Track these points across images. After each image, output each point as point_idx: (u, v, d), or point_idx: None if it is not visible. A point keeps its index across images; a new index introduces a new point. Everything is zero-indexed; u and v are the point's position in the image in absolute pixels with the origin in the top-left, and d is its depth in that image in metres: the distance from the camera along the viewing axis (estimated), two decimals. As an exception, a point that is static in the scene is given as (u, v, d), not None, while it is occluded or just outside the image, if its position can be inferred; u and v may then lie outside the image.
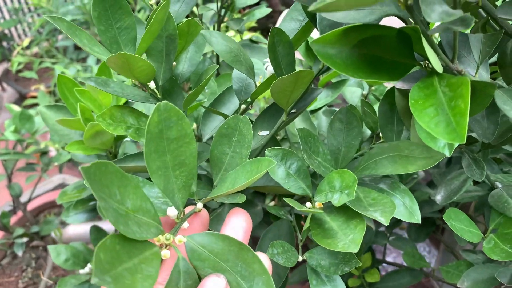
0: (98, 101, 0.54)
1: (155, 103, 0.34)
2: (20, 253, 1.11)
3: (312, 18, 0.36)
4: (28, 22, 2.77)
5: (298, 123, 0.60)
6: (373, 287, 0.74)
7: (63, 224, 1.24)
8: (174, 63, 0.49)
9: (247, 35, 1.26)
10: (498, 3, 0.33)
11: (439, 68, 0.27)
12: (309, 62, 0.61)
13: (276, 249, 0.41)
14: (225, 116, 0.47)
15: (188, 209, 0.35)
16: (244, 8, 1.35)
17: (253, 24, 1.80)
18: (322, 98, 0.65)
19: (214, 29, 0.75)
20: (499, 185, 0.47)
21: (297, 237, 0.48)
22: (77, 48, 2.26)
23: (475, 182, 0.53)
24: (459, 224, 0.45)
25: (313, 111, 0.67)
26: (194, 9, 0.73)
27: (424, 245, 1.31)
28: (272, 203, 0.59)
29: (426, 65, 0.31)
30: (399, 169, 0.39)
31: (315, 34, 0.53)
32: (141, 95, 0.42)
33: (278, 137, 0.62)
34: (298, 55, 0.67)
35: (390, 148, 0.41)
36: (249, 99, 0.48)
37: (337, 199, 0.37)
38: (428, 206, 0.67)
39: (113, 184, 0.26)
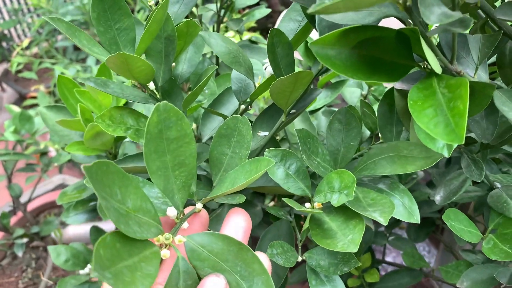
0: (98, 101, 0.54)
1: (155, 104, 0.34)
2: (20, 253, 1.12)
3: (311, 19, 0.36)
4: (28, 23, 2.77)
5: (298, 123, 0.60)
6: (372, 287, 0.74)
7: (63, 224, 1.24)
8: (174, 64, 0.49)
9: (247, 35, 1.26)
10: (497, 4, 0.34)
11: (438, 69, 0.28)
12: (308, 63, 0.61)
13: (276, 250, 0.41)
14: (225, 117, 0.48)
15: (188, 210, 0.35)
16: (243, 9, 1.35)
17: (253, 24, 1.80)
18: (322, 98, 0.65)
19: (213, 30, 0.75)
20: (498, 185, 0.47)
21: (296, 237, 0.49)
22: (76, 48, 2.26)
23: (474, 182, 0.53)
24: (459, 225, 0.45)
25: (313, 112, 0.67)
26: (194, 9, 0.73)
27: (424, 245, 1.31)
28: (272, 203, 0.59)
29: (425, 66, 0.32)
30: (398, 169, 0.39)
31: (314, 34, 0.53)
32: (141, 96, 0.42)
33: (278, 138, 0.62)
34: (298, 55, 0.67)
35: (389, 148, 0.41)
36: (248, 100, 0.48)
37: (336, 200, 0.37)
38: (428, 206, 0.67)
39: (114, 184, 0.27)
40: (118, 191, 0.27)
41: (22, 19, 2.59)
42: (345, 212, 0.38)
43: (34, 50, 2.53)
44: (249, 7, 0.94)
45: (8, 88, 2.40)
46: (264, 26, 2.20)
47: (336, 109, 0.52)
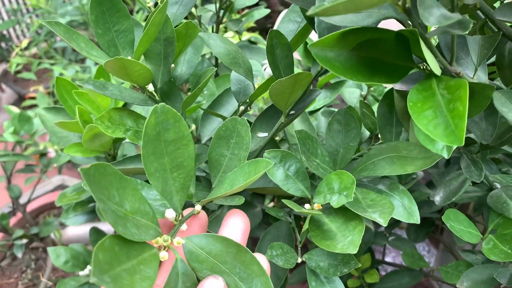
0: (97, 103, 0.54)
1: (154, 106, 0.34)
2: (19, 254, 1.12)
3: (310, 20, 0.36)
4: (27, 23, 2.77)
5: (297, 124, 0.60)
6: (372, 287, 0.74)
7: (63, 225, 1.24)
8: (173, 65, 0.49)
9: (246, 36, 1.26)
10: (496, 5, 0.34)
11: (437, 70, 0.27)
12: (307, 63, 0.61)
13: (275, 251, 0.41)
14: (224, 118, 0.47)
15: (187, 211, 0.35)
16: (242, 9, 1.34)
17: (252, 24, 1.80)
18: (321, 99, 0.65)
19: (212, 30, 0.75)
20: (498, 185, 0.47)
21: (296, 238, 0.48)
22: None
23: (474, 183, 0.53)
24: (458, 225, 0.45)
25: (312, 112, 0.67)
26: (193, 10, 0.73)
27: (424, 245, 1.31)
28: (271, 204, 0.59)
29: (424, 67, 0.31)
30: (397, 170, 0.39)
31: (313, 35, 0.53)
32: (140, 98, 0.42)
33: (277, 138, 0.62)
34: (297, 55, 0.67)
35: (388, 149, 0.41)
36: (247, 101, 0.48)
37: (336, 201, 0.37)
38: (427, 206, 0.67)
39: (112, 186, 0.27)
40: (115, 193, 0.27)
41: (21, 19, 2.59)
42: (344, 213, 0.38)
43: (33, 50, 2.53)
44: (248, 7, 0.94)
45: (7, 88, 2.40)
46: (264, 26, 2.20)
47: (336, 110, 0.52)
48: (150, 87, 0.43)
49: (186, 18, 0.48)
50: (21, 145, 1.09)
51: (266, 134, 0.46)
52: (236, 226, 0.34)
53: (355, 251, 0.33)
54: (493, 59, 0.41)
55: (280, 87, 0.37)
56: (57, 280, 1.11)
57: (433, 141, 0.26)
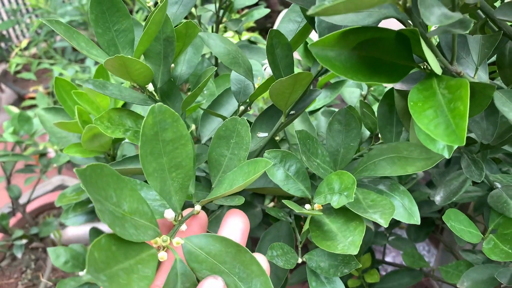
0: (96, 103, 0.54)
1: (153, 106, 0.34)
2: (19, 255, 1.11)
3: (310, 20, 0.36)
4: (26, 23, 2.77)
5: (297, 124, 0.60)
6: (372, 287, 0.74)
7: (62, 225, 1.24)
8: (173, 65, 0.49)
9: (246, 36, 1.26)
10: (497, 4, 0.33)
11: (438, 70, 0.27)
12: (307, 63, 0.61)
13: (276, 251, 0.41)
14: (224, 118, 0.47)
15: (186, 212, 0.35)
16: (242, 9, 1.34)
17: (252, 24, 1.80)
18: (321, 98, 0.65)
19: (212, 30, 0.75)
20: (498, 185, 0.47)
21: (296, 239, 0.48)
22: (75, 49, 2.25)
23: (474, 182, 0.53)
24: (459, 225, 0.45)
25: (312, 112, 0.67)
26: (193, 10, 0.73)
27: (424, 244, 1.31)
28: (271, 204, 0.59)
29: (425, 67, 0.31)
30: (398, 171, 0.39)
31: (313, 35, 0.53)
32: (139, 98, 0.42)
33: (277, 138, 0.62)
34: (297, 55, 0.67)
35: (389, 149, 0.41)
36: (247, 101, 0.48)
37: (336, 201, 0.37)
38: (428, 206, 0.67)
39: (109, 187, 0.26)
40: (113, 193, 0.27)
41: (20, 19, 2.59)
42: (345, 213, 0.38)
43: (33, 50, 2.53)
44: (248, 7, 0.94)
45: (6, 88, 2.40)
46: (263, 26, 2.20)
47: (336, 110, 0.52)
48: (150, 87, 0.43)
49: (186, 18, 0.48)
50: (20, 145, 1.09)
51: (266, 134, 0.46)
52: (235, 226, 0.34)
53: (355, 252, 0.33)
54: (493, 58, 0.41)
55: (280, 87, 0.37)
56: (57, 280, 1.11)
57: (434, 140, 0.26)
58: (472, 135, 0.46)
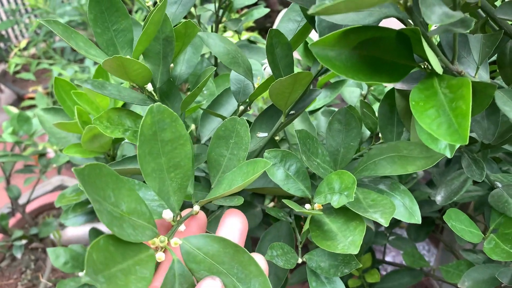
0: (96, 103, 0.54)
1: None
2: (19, 255, 1.11)
3: (310, 19, 0.36)
4: (25, 23, 2.77)
5: (297, 124, 0.60)
6: (373, 287, 0.74)
7: (62, 226, 1.23)
8: (172, 65, 0.49)
9: (245, 35, 1.26)
10: (497, 3, 0.33)
11: (439, 69, 0.27)
12: (307, 63, 0.61)
13: (276, 251, 0.41)
14: (223, 118, 0.47)
15: (185, 212, 0.35)
16: (241, 8, 1.34)
17: (251, 23, 1.80)
18: (321, 98, 0.65)
19: (212, 30, 0.75)
20: (499, 184, 0.47)
21: (296, 239, 0.48)
22: (74, 49, 2.24)
23: (475, 182, 0.53)
24: (460, 225, 0.45)
25: (312, 112, 0.66)
26: (192, 9, 0.73)
27: (424, 244, 1.31)
28: (272, 204, 0.59)
29: (425, 66, 0.31)
30: (398, 170, 0.39)
31: (313, 35, 0.53)
32: (139, 98, 0.42)
33: (277, 138, 0.62)
34: (297, 55, 0.66)
35: (389, 148, 0.41)
36: (247, 100, 0.48)
37: (337, 201, 0.37)
38: (428, 205, 0.67)
39: (108, 187, 0.26)
40: (111, 193, 0.26)
41: (19, 19, 2.59)
42: (345, 213, 0.38)
43: (32, 50, 2.52)
44: (248, 7, 0.94)
45: (6, 89, 2.39)
46: (263, 26, 2.20)
47: (336, 109, 0.52)
48: (149, 87, 0.43)
49: (185, 17, 0.48)
50: (20, 146, 1.09)
51: (266, 134, 0.45)
52: (233, 226, 0.34)
53: (356, 252, 0.33)
54: (494, 58, 0.41)
55: (280, 87, 0.36)
56: (56, 281, 1.11)
57: (436, 140, 0.26)
58: (473, 135, 0.46)
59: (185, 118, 0.56)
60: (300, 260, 0.43)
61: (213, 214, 0.50)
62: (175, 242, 0.30)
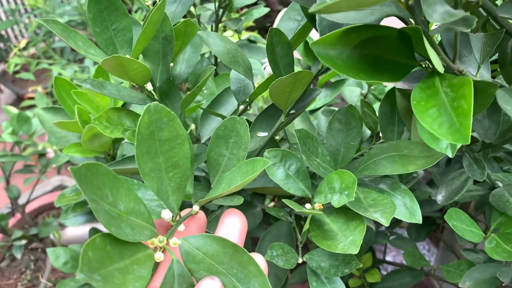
0: (96, 103, 0.53)
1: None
2: (18, 255, 1.11)
3: (311, 18, 0.36)
4: (25, 23, 2.76)
5: (297, 123, 0.59)
6: (374, 287, 0.74)
7: (62, 226, 1.23)
8: (171, 64, 0.49)
9: (245, 35, 1.26)
10: (498, 2, 0.33)
11: (440, 68, 0.27)
12: (308, 62, 0.61)
13: (276, 251, 0.41)
14: (223, 117, 0.47)
15: (185, 212, 0.34)
16: (241, 8, 1.34)
17: (251, 23, 1.80)
18: (321, 98, 0.65)
19: (211, 29, 0.74)
20: (500, 184, 0.47)
21: (297, 238, 0.48)
22: (74, 49, 2.24)
23: (475, 181, 0.53)
24: (461, 224, 0.44)
25: (312, 111, 0.66)
26: (192, 9, 0.73)
27: (424, 244, 1.30)
28: (272, 204, 0.58)
29: (426, 65, 0.31)
30: (398, 169, 0.39)
31: (313, 34, 0.53)
32: (138, 97, 0.42)
33: (277, 137, 0.62)
34: (297, 54, 0.66)
35: (389, 147, 0.41)
36: (247, 100, 0.48)
37: (337, 200, 0.37)
38: (428, 205, 0.67)
39: (105, 186, 0.26)
40: (109, 193, 0.26)
41: (19, 19, 2.58)
42: (346, 213, 0.38)
43: (32, 50, 2.52)
44: (247, 6, 0.94)
45: (5, 89, 2.39)
46: (262, 25, 2.19)
47: (336, 109, 0.52)
48: (149, 86, 0.43)
49: (185, 17, 0.47)
50: (19, 146, 1.09)
51: (266, 134, 0.45)
52: (233, 225, 0.34)
53: (356, 252, 0.33)
54: (494, 57, 0.40)
55: (280, 86, 0.36)
56: (56, 281, 1.11)
57: (437, 140, 0.26)
58: (474, 134, 0.46)
59: (185, 117, 0.56)
60: (300, 260, 0.43)
61: (213, 214, 0.50)
62: (174, 242, 0.30)
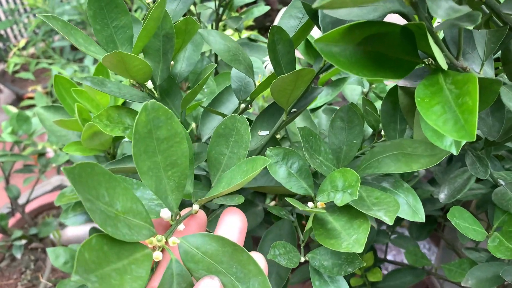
0: (96, 101, 0.53)
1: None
2: (18, 255, 1.11)
3: (312, 15, 0.35)
4: (24, 23, 2.76)
5: (299, 122, 0.59)
6: (375, 286, 0.74)
7: (62, 226, 1.23)
8: (172, 62, 0.48)
9: (245, 34, 1.26)
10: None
11: (444, 65, 0.27)
12: (309, 60, 0.61)
13: (278, 250, 0.41)
14: (224, 116, 0.47)
15: (185, 211, 0.34)
16: (241, 7, 1.34)
17: (251, 22, 1.79)
18: (322, 96, 0.65)
19: (212, 28, 0.74)
20: (502, 182, 0.47)
21: (298, 237, 0.48)
22: (73, 48, 2.25)
23: (477, 180, 0.53)
24: (463, 223, 0.44)
25: (313, 110, 0.66)
26: (192, 8, 0.72)
27: (424, 243, 1.30)
28: (273, 203, 0.58)
29: (429, 62, 0.31)
30: (402, 167, 0.39)
31: (314, 33, 0.52)
32: (139, 95, 0.41)
33: (278, 136, 0.62)
34: (297, 53, 0.66)
35: (392, 146, 0.40)
36: (248, 99, 0.47)
37: (340, 199, 0.36)
38: (430, 203, 0.67)
39: (101, 186, 0.26)
40: (105, 193, 0.26)
41: (18, 19, 2.58)
42: (349, 211, 0.37)
43: (31, 50, 2.52)
44: (247, 5, 0.93)
45: (5, 88, 2.39)
46: (262, 25, 2.19)
47: (337, 107, 0.51)
48: (149, 84, 0.42)
49: (185, 15, 0.47)
50: (19, 145, 1.08)
51: (267, 133, 0.45)
52: (232, 224, 0.34)
53: (360, 250, 0.33)
54: (496, 55, 0.40)
55: (282, 84, 0.36)
56: (56, 281, 1.11)
57: (441, 137, 0.26)
58: (476, 132, 0.46)
59: (186, 116, 0.55)
60: (302, 259, 0.42)
61: (214, 213, 0.49)
62: (173, 241, 0.30)
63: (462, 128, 0.23)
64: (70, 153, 0.53)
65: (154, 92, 0.43)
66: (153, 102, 0.29)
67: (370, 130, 0.59)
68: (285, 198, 0.39)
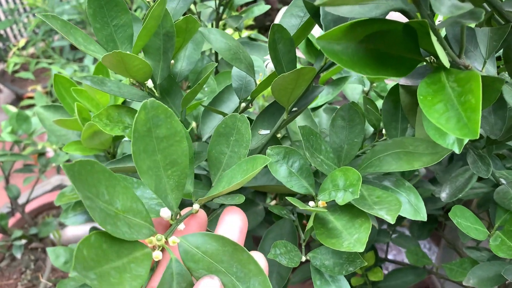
0: (96, 100, 0.53)
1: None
2: (18, 255, 1.11)
3: (314, 14, 0.35)
4: (24, 23, 2.76)
5: (299, 121, 0.59)
6: (376, 286, 0.74)
7: (62, 225, 1.23)
8: (172, 61, 0.48)
9: (245, 33, 1.25)
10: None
11: (446, 63, 0.27)
12: (309, 59, 0.61)
13: (279, 249, 0.41)
14: (225, 115, 0.47)
15: (186, 211, 0.34)
16: (241, 6, 1.34)
17: (251, 22, 1.79)
18: (323, 95, 0.64)
19: (212, 27, 0.74)
20: (504, 181, 0.47)
21: (299, 237, 0.48)
22: (73, 48, 2.24)
23: (479, 179, 0.53)
24: (465, 222, 0.44)
25: (314, 109, 0.66)
26: (192, 7, 0.72)
27: (425, 242, 1.30)
28: (274, 202, 0.58)
29: (431, 60, 0.31)
30: (404, 166, 0.38)
31: (315, 31, 0.52)
32: (139, 94, 0.41)
33: (279, 135, 0.62)
34: (298, 52, 0.66)
35: (394, 144, 0.40)
36: (249, 98, 0.47)
37: (341, 198, 0.36)
38: (431, 203, 0.66)
39: (101, 184, 0.26)
40: (105, 191, 0.26)
41: (18, 19, 2.58)
42: (350, 210, 0.37)
43: (31, 50, 2.52)
44: (247, 4, 0.93)
45: (4, 88, 2.39)
46: (262, 24, 2.19)
47: (338, 107, 0.51)
48: (150, 83, 0.42)
49: (185, 14, 0.47)
50: (19, 145, 1.08)
51: (268, 132, 0.45)
52: (233, 223, 0.33)
53: (362, 250, 0.32)
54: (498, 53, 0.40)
55: (283, 83, 0.36)
56: (56, 280, 1.10)
57: (444, 135, 0.26)
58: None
59: (186, 115, 0.55)
60: (303, 259, 0.42)
61: (215, 213, 0.49)
62: (173, 240, 0.30)
63: (465, 126, 0.23)
64: (70, 152, 0.53)
65: (154, 91, 0.43)
66: (153, 100, 0.29)
67: (371, 129, 0.59)
68: (286, 197, 0.39)
